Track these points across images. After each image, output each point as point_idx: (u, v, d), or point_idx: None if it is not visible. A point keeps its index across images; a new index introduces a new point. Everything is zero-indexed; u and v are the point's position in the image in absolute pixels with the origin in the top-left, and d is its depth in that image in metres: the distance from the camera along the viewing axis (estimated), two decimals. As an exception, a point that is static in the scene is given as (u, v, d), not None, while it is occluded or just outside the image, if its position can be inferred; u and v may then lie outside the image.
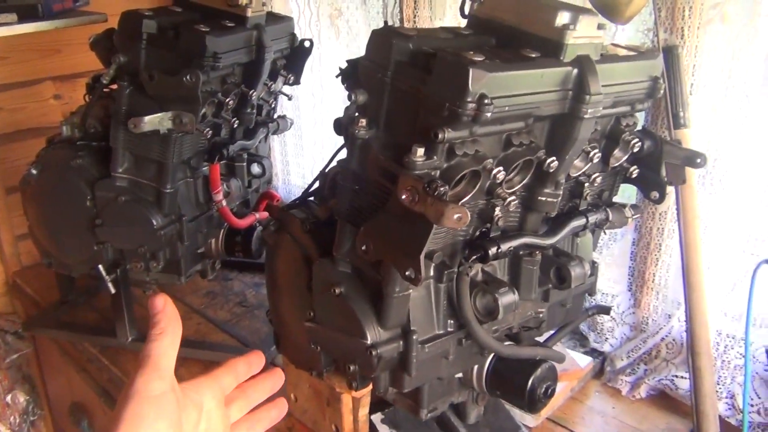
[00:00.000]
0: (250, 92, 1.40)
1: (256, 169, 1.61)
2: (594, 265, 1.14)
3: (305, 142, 2.15)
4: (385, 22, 0.96)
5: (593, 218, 1.04)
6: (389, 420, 1.23)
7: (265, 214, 1.61)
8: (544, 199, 0.95)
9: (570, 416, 1.32)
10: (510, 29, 0.91)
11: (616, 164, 1.04)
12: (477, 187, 0.84)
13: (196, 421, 0.67)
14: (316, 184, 1.12)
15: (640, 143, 1.02)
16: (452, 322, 0.95)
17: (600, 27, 0.89)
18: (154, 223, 1.33)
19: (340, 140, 0.97)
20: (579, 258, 1.04)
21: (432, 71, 0.79)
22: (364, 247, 0.86)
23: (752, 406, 1.27)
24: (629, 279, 1.44)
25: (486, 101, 0.76)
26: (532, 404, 1.01)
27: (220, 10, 1.37)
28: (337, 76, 0.96)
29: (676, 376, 1.33)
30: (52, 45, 1.94)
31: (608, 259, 1.48)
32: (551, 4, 0.88)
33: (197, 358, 1.46)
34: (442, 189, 0.75)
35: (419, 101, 0.81)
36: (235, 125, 1.44)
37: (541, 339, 1.16)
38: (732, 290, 1.30)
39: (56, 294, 1.72)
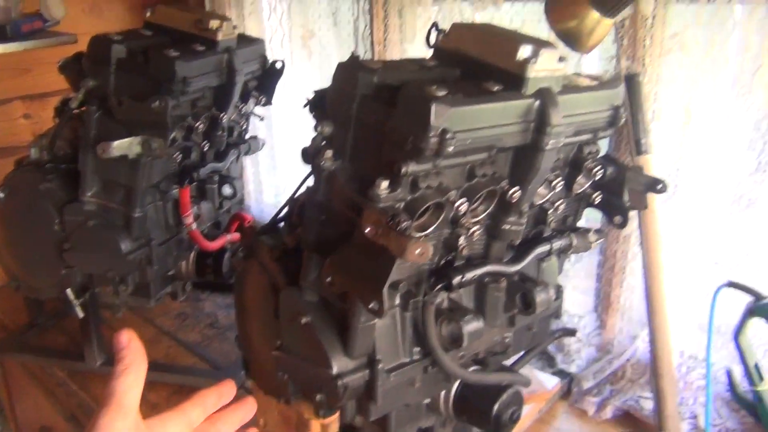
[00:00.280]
0: (221, 115, 1.41)
1: (227, 190, 1.61)
2: (559, 289, 1.15)
3: (278, 161, 2.15)
4: (352, 53, 0.97)
5: (557, 244, 1.06)
6: (358, 444, 1.23)
7: (237, 235, 1.61)
8: (508, 227, 0.96)
9: (538, 437, 1.34)
10: (474, 61, 0.92)
11: (580, 190, 1.05)
12: (441, 218, 0.85)
13: None
14: (286, 209, 1.12)
15: (602, 170, 1.04)
16: (418, 349, 0.96)
17: (561, 60, 0.91)
18: (123, 247, 1.32)
19: (312, 162, 0.97)
20: (544, 283, 1.05)
21: (396, 105, 0.80)
22: (329, 279, 0.86)
23: (715, 426, 1.29)
24: (595, 301, 1.46)
25: (448, 135, 0.77)
26: (498, 429, 1.02)
27: (191, 33, 1.38)
28: (304, 106, 0.96)
29: (641, 397, 1.35)
30: (21, 64, 1.93)
31: (575, 281, 1.50)
32: (513, 37, 0.90)
33: (166, 382, 1.46)
34: (404, 224, 0.76)
35: (383, 135, 0.82)
36: (206, 148, 1.44)
37: (508, 362, 1.17)
38: (693, 312, 1.32)
39: (24, 317, 1.70)
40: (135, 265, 1.35)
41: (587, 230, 1.11)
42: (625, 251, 1.36)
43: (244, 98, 1.54)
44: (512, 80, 0.87)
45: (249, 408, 0.80)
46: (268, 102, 1.63)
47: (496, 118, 0.84)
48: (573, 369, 1.48)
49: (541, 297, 1.03)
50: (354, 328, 0.87)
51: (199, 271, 1.52)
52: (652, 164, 1.23)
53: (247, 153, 1.66)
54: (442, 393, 1.05)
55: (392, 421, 1.02)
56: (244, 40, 1.53)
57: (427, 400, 1.06)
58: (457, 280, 0.90)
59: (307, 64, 1.94)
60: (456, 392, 1.05)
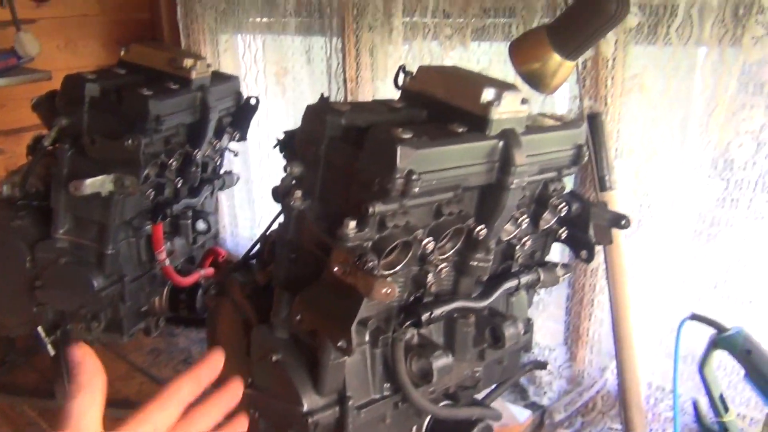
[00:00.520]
0: (195, 152, 1.43)
1: (201, 225, 1.61)
2: (529, 323, 1.17)
3: (254, 195, 2.17)
4: (321, 95, 0.99)
5: (525, 279, 1.08)
6: (331, 480, 1.23)
7: (211, 270, 1.62)
8: (475, 264, 0.98)
9: (510, 470, 1.34)
10: (440, 103, 0.95)
11: (546, 226, 1.08)
12: (408, 256, 0.87)
13: None
14: (258, 247, 1.14)
15: (567, 206, 1.07)
16: (388, 386, 0.97)
17: (524, 102, 0.94)
18: (95, 284, 1.32)
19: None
20: (513, 317, 1.07)
21: (363, 147, 0.83)
22: (299, 317, 0.88)
23: (683, 456, 1.31)
24: (565, 333, 1.49)
25: (414, 176, 0.79)
26: (470, 463, 1.03)
27: (165, 72, 1.40)
28: (274, 147, 0.98)
29: (611, 429, 1.37)
30: (-4, 100, 1.93)
31: (544, 314, 1.52)
32: (477, 80, 0.94)
33: (138, 420, 1.44)
34: (371, 264, 0.78)
35: (351, 175, 0.84)
36: (179, 184, 1.45)
37: (480, 396, 1.18)
38: (660, 344, 1.35)
39: (-6, 354, 1.69)
40: (107, 301, 1.35)
41: (555, 265, 1.14)
42: (592, 284, 1.39)
43: (219, 134, 1.56)
44: (477, 122, 0.90)
45: (234, 391, 0.65)
46: (243, 138, 1.65)
47: (461, 159, 0.87)
48: (545, 401, 1.49)
49: (510, 331, 1.04)
50: (324, 366, 0.88)
51: (173, 306, 1.52)
52: (617, 200, 1.27)
53: (221, 188, 1.68)
54: (414, 428, 1.06)
55: (364, 457, 1.03)
56: (219, 77, 1.56)
57: (398, 436, 1.07)
58: (425, 316, 0.92)
59: (281, 100, 1.97)
60: (427, 428, 1.06)
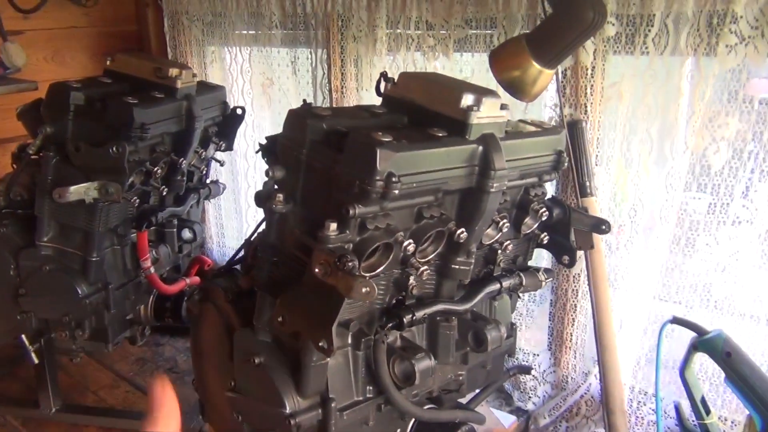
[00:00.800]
0: (180, 160, 1.43)
1: (187, 234, 1.62)
2: (513, 327, 1.18)
3: (240, 205, 2.17)
4: (304, 101, 1.00)
5: (507, 283, 1.09)
6: (316, 486, 1.23)
7: (197, 279, 1.62)
8: (457, 267, 0.99)
9: (495, 476, 1.35)
10: (420, 109, 0.96)
11: (528, 231, 1.09)
12: (390, 258, 0.88)
13: None
14: (242, 253, 1.14)
15: (548, 212, 1.08)
16: (371, 388, 0.97)
17: (503, 107, 0.96)
18: (79, 291, 1.32)
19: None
20: (496, 321, 1.08)
21: (343, 150, 0.84)
22: (280, 319, 0.88)
23: (667, 460, 1.32)
24: (549, 339, 1.50)
25: (394, 179, 0.80)
26: (453, 466, 1.03)
27: (150, 81, 1.41)
28: (257, 152, 0.99)
29: (595, 433, 1.38)
30: (-20, 111, 1.93)
31: (528, 320, 1.53)
32: (457, 86, 0.95)
33: (124, 428, 1.44)
34: (351, 264, 0.78)
35: (332, 178, 0.85)
36: (165, 193, 1.46)
37: (464, 400, 1.19)
38: (642, 348, 1.36)
39: (-23, 364, 1.68)
40: (92, 309, 1.35)
41: (537, 269, 1.15)
42: (575, 290, 1.41)
43: (205, 144, 1.57)
44: (456, 126, 0.91)
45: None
46: (229, 147, 1.66)
47: (440, 162, 0.88)
48: (530, 406, 1.50)
49: (492, 335, 1.05)
50: (306, 367, 0.89)
51: (158, 315, 1.52)
52: (597, 206, 1.29)
53: (207, 197, 1.69)
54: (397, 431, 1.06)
55: (347, 461, 1.03)
56: (205, 87, 1.57)
57: (382, 440, 1.08)
58: (407, 318, 0.93)
59: (267, 111, 1.98)
60: (411, 431, 1.06)
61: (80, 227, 1.33)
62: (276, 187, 0.93)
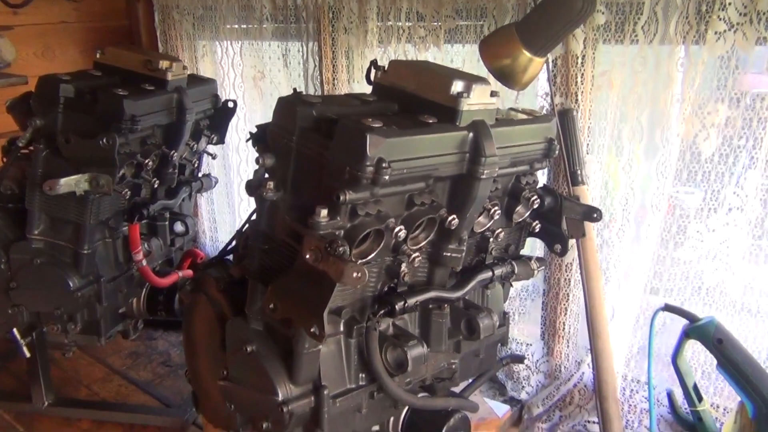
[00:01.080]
0: (171, 153, 1.43)
1: (179, 227, 1.61)
2: (505, 316, 1.19)
3: (234, 199, 2.17)
4: (294, 89, 1.00)
5: (499, 271, 1.09)
6: (310, 476, 1.23)
7: (189, 272, 1.61)
8: (448, 254, 1.00)
9: (489, 465, 1.35)
10: (410, 96, 0.96)
11: (519, 220, 1.09)
12: (381, 245, 0.88)
13: None
14: (234, 243, 1.14)
15: (539, 200, 1.09)
16: (364, 375, 0.97)
17: (493, 94, 0.96)
18: (71, 284, 1.32)
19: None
20: (488, 310, 1.08)
21: (333, 137, 0.84)
22: (272, 306, 0.88)
23: (659, 447, 1.33)
24: (542, 328, 1.50)
25: (384, 165, 0.80)
26: (447, 454, 1.04)
27: (140, 73, 1.40)
28: (247, 140, 0.99)
29: (588, 422, 1.38)
30: (-30, 106, 1.92)
31: (521, 309, 1.54)
32: (447, 73, 0.95)
33: (117, 421, 1.44)
34: (341, 249, 0.78)
35: (322, 165, 0.85)
36: (156, 185, 1.45)
37: (457, 389, 1.19)
38: (634, 336, 1.37)
39: (-31, 360, 1.67)
40: (84, 302, 1.35)
41: (529, 258, 1.15)
42: (568, 279, 1.41)
43: (196, 137, 1.57)
44: (447, 113, 0.91)
45: None
46: (221, 141, 1.66)
47: (431, 149, 0.88)
48: (523, 396, 1.50)
49: (484, 323, 1.05)
50: (298, 355, 0.89)
51: (151, 308, 1.52)
52: (588, 194, 1.29)
53: (199, 191, 1.68)
54: (391, 420, 1.07)
55: (340, 449, 1.03)
56: (196, 80, 1.57)
57: (375, 428, 1.08)
58: (400, 305, 0.93)
59: (259, 104, 1.98)
60: (404, 419, 1.07)
61: (71, 220, 1.32)
62: (266, 175, 0.93)
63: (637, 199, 1.30)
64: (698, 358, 1.31)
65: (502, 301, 1.21)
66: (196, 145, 1.57)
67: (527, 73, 1.16)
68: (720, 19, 1.12)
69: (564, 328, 1.44)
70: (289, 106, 0.90)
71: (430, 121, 0.90)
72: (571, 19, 1.11)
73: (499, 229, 1.08)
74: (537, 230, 1.14)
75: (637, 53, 1.22)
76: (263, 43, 1.89)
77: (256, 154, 0.97)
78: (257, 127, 0.98)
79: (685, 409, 1.26)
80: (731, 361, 1.15)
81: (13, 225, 1.35)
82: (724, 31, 1.12)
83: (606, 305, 1.29)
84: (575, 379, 1.42)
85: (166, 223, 1.56)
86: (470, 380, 1.22)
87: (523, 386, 1.50)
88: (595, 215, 1.15)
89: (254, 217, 1.04)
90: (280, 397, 0.90)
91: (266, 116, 1.93)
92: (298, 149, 0.89)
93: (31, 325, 1.39)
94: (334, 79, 1.70)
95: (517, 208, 1.09)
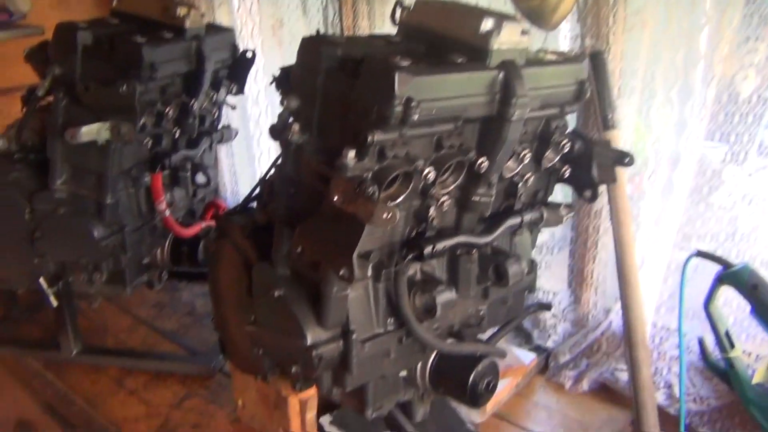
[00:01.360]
0: (192, 102, 1.41)
1: (200, 178, 1.60)
2: (533, 263, 1.17)
3: (254, 151, 2.15)
4: (317, 31, 0.97)
5: (528, 217, 1.07)
6: (338, 422, 1.24)
7: (212, 223, 1.61)
8: (477, 199, 0.97)
9: (515, 411, 1.35)
10: (438, 36, 0.93)
11: (549, 165, 1.07)
12: (410, 187, 0.86)
13: None
14: (258, 190, 1.13)
15: (570, 144, 1.06)
16: (392, 320, 0.97)
17: (524, 33, 0.92)
18: (95, 233, 1.32)
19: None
20: (516, 256, 1.07)
21: (360, 77, 0.81)
22: (299, 249, 0.87)
23: (689, 395, 1.32)
24: (569, 276, 1.48)
25: (413, 104, 0.78)
26: (475, 399, 1.03)
27: (158, 21, 1.38)
28: (270, 83, 0.97)
29: (617, 369, 1.37)
30: (-13, 59, 1.90)
31: (548, 257, 1.52)
32: (476, 11, 0.91)
33: (143, 369, 1.46)
34: (371, 189, 0.77)
35: (349, 106, 0.83)
36: (177, 135, 1.44)
37: (484, 337, 1.19)
38: (665, 284, 1.34)
39: (-2, 310, 1.70)
40: (108, 251, 1.35)
41: (558, 204, 1.13)
42: (596, 226, 1.38)
43: (215, 87, 1.54)
44: (476, 52, 0.88)
45: None
46: (240, 91, 1.63)
47: (460, 89, 0.85)
48: (549, 344, 1.50)
49: (513, 269, 1.04)
50: (326, 298, 0.88)
51: (174, 258, 1.52)
52: (619, 139, 1.25)
53: (220, 141, 1.66)
54: (419, 365, 1.06)
55: (370, 394, 1.03)
56: (214, 29, 1.53)
57: (403, 373, 1.07)
58: (428, 249, 0.91)
59: (278, 53, 1.94)
60: (432, 364, 1.06)
61: (93, 170, 1.31)
62: (291, 118, 0.91)
63: (670, 143, 1.26)
64: (731, 305, 1.28)
65: (530, 248, 1.19)
66: (215, 95, 1.55)
67: (557, 12, 1.12)
68: (761, -49, 1.06)
69: (592, 276, 1.42)
70: (313, 45, 0.87)
71: (460, 60, 0.87)
72: (604, -47, 1.07)
73: (529, 174, 1.06)
74: (566, 176, 1.11)
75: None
76: (281, -10, 1.84)
77: (277, 102, 0.94)
78: (281, 69, 0.96)
79: (717, 356, 1.24)
80: (766, 306, 1.14)
81: (35, 176, 1.34)
82: (766, -37, 1.07)
83: (636, 253, 1.27)
84: (603, 327, 1.41)
85: (188, 173, 1.54)
86: (497, 328, 1.21)
87: (549, 335, 1.50)
88: (627, 160, 1.12)
89: (279, 162, 1.02)
90: (309, 341, 0.90)
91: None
92: (323, 90, 0.86)
93: (57, 275, 1.40)
94: (354, 26, 1.66)
95: (547, 153, 1.05)
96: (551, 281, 1.52)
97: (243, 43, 1.94)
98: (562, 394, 1.41)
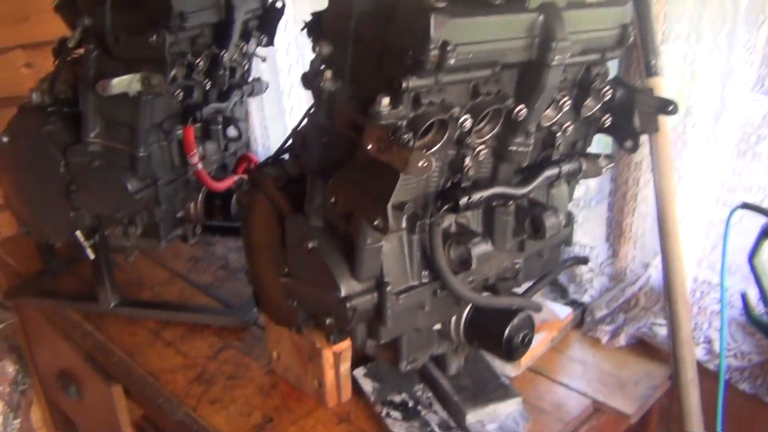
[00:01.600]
0: (222, 53, 1.39)
1: (232, 132, 1.59)
2: (570, 216, 1.14)
3: (284, 105, 2.13)
4: (350, -27, 0.94)
5: (566, 168, 1.04)
6: (371, 374, 1.25)
7: (245, 176, 1.60)
8: (515, 149, 0.95)
9: (550, 366, 1.34)
10: (476, -24, 0.89)
11: (589, 113, 1.03)
12: (445, 136, 0.83)
13: None
14: (290, 142, 1.11)
15: (611, 92, 1.02)
16: (426, 273, 0.96)
17: (566, -28, 0.88)
18: (129, 187, 1.32)
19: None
20: (554, 208, 1.04)
21: (394, 19, 0.78)
22: (333, 200, 0.86)
23: (729, 350, 1.29)
24: (607, 230, 1.45)
25: (449, 48, 0.75)
26: (510, 353, 1.02)
27: (188, -31, 1.35)
28: (302, 29, 0.95)
29: (655, 324, 1.35)
30: (20, 12, 1.90)
31: (585, 210, 1.48)
32: (516, -51, 0.87)
33: (180, 321, 1.47)
34: (405, 137, 0.75)
35: (383, 51, 0.80)
36: (208, 87, 1.42)
37: (519, 291, 1.17)
38: (707, 238, 1.31)
39: (37, 264, 1.72)
40: (142, 204, 1.35)
41: (597, 155, 1.09)
42: (636, 178, 1.34)
43: (245, 38, 1.52)
44: (515, -6, 0.85)
45: None
46: (270, 42, 1.60)
47: (498, 32, 0.82)
48: (586, 299, 1.47)
49: (550, 221, 1.02)
50: (360, 250, 0.87)
51: (208, 212, 1.52)
52: (663, 86, 1.20)
53: (250, 94, 1.65)
54: (453, 318, 1.05)
55: (404, 347, 1.03)
56: (243, -24, 1.50)
57: (437, 326, 1.07)
58: (464, 201, 0.89)
59: (308, 3, 1.90)
60: (467, 317, 1.05)
61: (126, 122, 1.31)
62: (323, 65, 0.88)
63: (716, 90, 1.21)
64: (776, 258, 1.24)
65: (568, 201, 1.16)
66: (245, 47, 1.52)
67: (601, -49, 1.06)
68: None
69: (631, 230, 1.38)
70: (345, -12, 0.84)
71: (498, 2, 0.83)
72: None
73: (568, 123, 1.02)
74: (607, 125, 1.08)
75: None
76: (312, -63, 1.79)
77: (308, 54, 0.92)
78: (312, 14, 0.93)
79: (761, 310, 1.21)
80: (814, 260, 1.10)
81: (69, 128, 1.34)
82: None
83: (678, 205, 1.23)
84: (641, 281, 1.38)
85: (219, 126, 1.53)
86: (532, 282, 1.19)
87: (586, 289, 1.47)
88: (670, 108, 1.08)
89: (311, 112, 1.00)
90: (343, 293, 0.89)
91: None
92: (356, 35, 0.83)
93: (93, 229, 1.41)
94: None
95: (587, 101, 1.02)
96: (588, 235, 1.49)
97: (272, -7, 1.90)
98: (598, 349, 1.39)
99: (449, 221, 0.96)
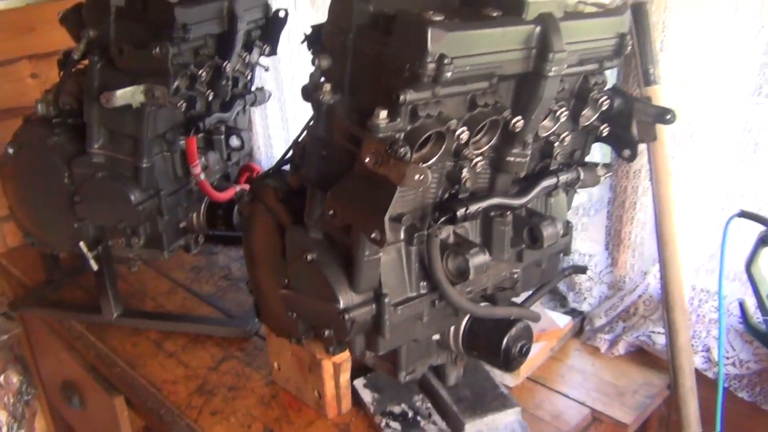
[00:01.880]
0: (224, 64, 1.40)
1: (234, 141, 1.60)
2: (568, 225, 1.15)
3: (287, 114, 2.14)
4: (349, -14, 0.95)
5: (564, 177, 1.05)
6: (371, 384, 1.25)
7: (247, 186, 1.61)
8: (512, 159, 0.95)
9: (550, 375, 1.34)
10: (473, -12, 0.90)
11: (587, 123, 1.04)
12: (442, 148, 0.84)
13: None
14: (290, 153, 1.12)
15: (609, 101, 1.02)
16: (425, 284, 0.96)
17: (562, -16, 0.89)
18: (132, 198, 1.33)
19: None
20: (551, 218, 1.05)
21: (392, 32, 0.79)
22: (331, 212, 0.87)
23: (728, 358, 1.29)
24: (606, 238, 1.45)
25: (446, 61, 0.76)
26: (508, 363, 1.02)
27: (190, -19, 1.36)
28: (302, 42, 0.96)
29: (653, 332, 1.35)
30: (26, 23, 1.92)
31: (584, 219, 1.49)
32: (512, -38, 0.88)
33: (182, 332, 1.48)
34: (402, 150, 0.75)
35: (381, 64, 0.81)
36: (211, 98, 1.44)
37: (518, 300, 1.17)
38: (705, 245, 1.31)
39: (42, 274, 1.73)
40: (145, 215, 1.36)
41: (595, 164, 1.10)
42: (635, 186, 1.35)
43: (248, 48, 1.53)
44: (512, 5, 0.85)
45: None
46: (273, 52, 1.62)
47: (495, 44, 0.83)
48: (585, 307, 1.48)
49: (548, 231, 1.02)
50: (359, 261, 0.88)
51: (210, 222, 1.53)
52: (661, 95, 1.21)
53: (253, 104, 1.66)
54: (452, 329, 1.06)
55: (403, 357, 1.03)
56: (245, -13, 1.51)
57: (436, 337, 1.07)
58: (461, 212, 0.90)
59: (311, 10, 1.92)
60: (465, 328, 1.06)
61: (129, 134, 1.32)
62: (322, 77, 0.89)
63: (714, 98, 1.21)
64: (774, 267, 1.24)
65: (566, 210, 1.17)
66: (248, 57, 1.54)
67: (597, -38, 1.07)
68: None
69: (630, 238, 1.39)
70: (344, 1, 0.85)
71: (495, 15, 0.84)
72: None
73: (565, 133, 1.03)
74: (605, 134, 1.08)
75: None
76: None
77: (310, 63, 0.93)
78: (312, 27, 0.95)
79: (758, 318, 1.21)
80: (811, 269, 1.10)
81: (73, 140, 1.36)
82: None
83: (676, 213, 1.24)
84: (640, 289, 1.38)
85: (222, 136, 1.54)
86: (531, 291, 1.20)
87: (585, 297, 1.48)
88: (668, 117, 1.08)
89: (311, 124, 1.01)
90: (342, 305, 0.90)
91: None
92: (355, 48, 0.84)
93: (96, 239, 1.42)
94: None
95: (585, 111, 1.03)
96: (587, 243, 1.50)
97: (275, 2, 1.91)
98: (597, 358, 1.39)
99: (447, 232, 0.97)
